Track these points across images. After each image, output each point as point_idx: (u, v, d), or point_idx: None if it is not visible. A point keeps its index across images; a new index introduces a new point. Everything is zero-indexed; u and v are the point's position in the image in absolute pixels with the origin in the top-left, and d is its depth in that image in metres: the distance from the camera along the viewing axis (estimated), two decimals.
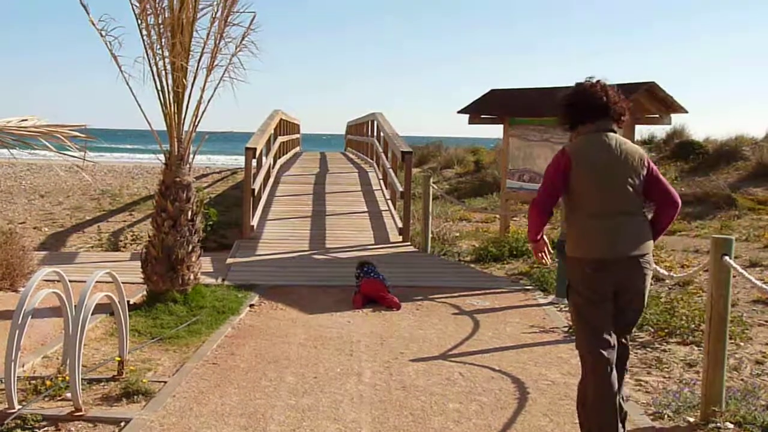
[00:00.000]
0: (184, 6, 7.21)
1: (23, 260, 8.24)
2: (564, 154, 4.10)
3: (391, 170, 14.72)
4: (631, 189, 4.04)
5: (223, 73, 7.58)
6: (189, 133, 7.64)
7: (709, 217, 13.17)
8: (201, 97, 7.55)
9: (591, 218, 4.06)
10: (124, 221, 14.62)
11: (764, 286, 4.80)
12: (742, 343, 6.47)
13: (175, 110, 7.49)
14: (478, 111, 11.48)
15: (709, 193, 14.14)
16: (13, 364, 4.53)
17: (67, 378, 4.80)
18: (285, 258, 10.46)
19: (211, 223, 12.30)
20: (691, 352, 6.28)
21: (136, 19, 7.25)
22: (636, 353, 6.32)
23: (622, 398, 4.13)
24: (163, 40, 7.33)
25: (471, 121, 11.48)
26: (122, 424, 4.54)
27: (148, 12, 7.25)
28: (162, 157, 7.66)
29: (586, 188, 4.06)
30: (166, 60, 7.34)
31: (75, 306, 4.88)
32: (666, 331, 6.75)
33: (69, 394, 4.74)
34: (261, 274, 9.32)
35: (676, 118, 11.20)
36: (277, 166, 18.10)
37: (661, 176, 4.16)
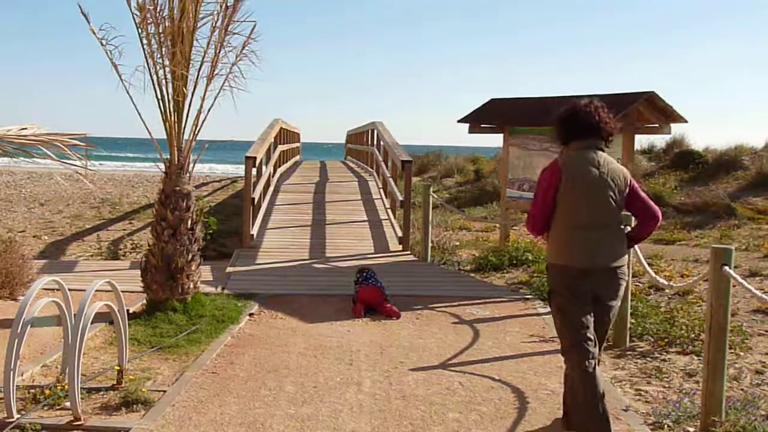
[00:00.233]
0: (185, 15, 7.23)
1: (23, 269, 8.23)
2: (556, 167, 4.40)
3: (391, 179, 14.73)
4: (614, 204, 4.36)
5: (224, 82, 7.60)
6: (189, 142, 7.64)
7: (708, 226, 13.16)
8: (201, 106, 7.56)
9: (575, 229, 4.35)
10: (124, 230, 14.61)
11: (764, 295, 4.80)
12: (741, 353, 6.46)
13: (176, 119, 7.50)
14: (478, 120, 11.49)
15: (709, 203, 14.14)
16: (12, 373, 4.52)
17: (66, 387, 4.80)
18: (285, 267, 10.46)
19: (210, 231, 12.30)
20: (690, 362, 6.27)
21: (137, 28, 7.28)
22: (636, 363, 6.32)
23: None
24: (163, 49, 7.34)
25: (471, 131, 11.49)
26: None
27: (149, 21, 7.26)
28: (162, 165, 7.67)
29: (573, 201, 4.34)
30: (167, 69, 7.36)
31: (74, 315, 4.88)
32: (666, 340, 6.75)
33: (68, 403, 4.73)
34: (261, 283, 9.32)
35: (676, 128, 11.19)
36: (277, 175, 18.12)
37: (641, 192, 4.48)
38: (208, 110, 7.59)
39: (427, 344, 6.78)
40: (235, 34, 7.63)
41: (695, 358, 6.33)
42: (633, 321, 7.05)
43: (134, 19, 7.25)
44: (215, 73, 7.57)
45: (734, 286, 4.80)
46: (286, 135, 20.31)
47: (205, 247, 10.10)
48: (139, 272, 7.69)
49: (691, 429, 4.76)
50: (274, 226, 13.16)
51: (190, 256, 7.55)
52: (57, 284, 5.29)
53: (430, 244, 11.37)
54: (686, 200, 14.80)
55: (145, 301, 7.63)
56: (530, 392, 5.45)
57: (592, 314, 4.39)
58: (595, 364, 4.31)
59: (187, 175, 7.70)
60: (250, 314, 7.75)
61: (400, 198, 12.51)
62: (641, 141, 19.43)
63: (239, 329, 7.17)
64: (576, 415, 4.43)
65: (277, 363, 6.09)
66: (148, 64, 7.32)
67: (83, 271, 9.95)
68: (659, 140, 20.01)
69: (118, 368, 5.39)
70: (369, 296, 8.03)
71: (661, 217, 4.51)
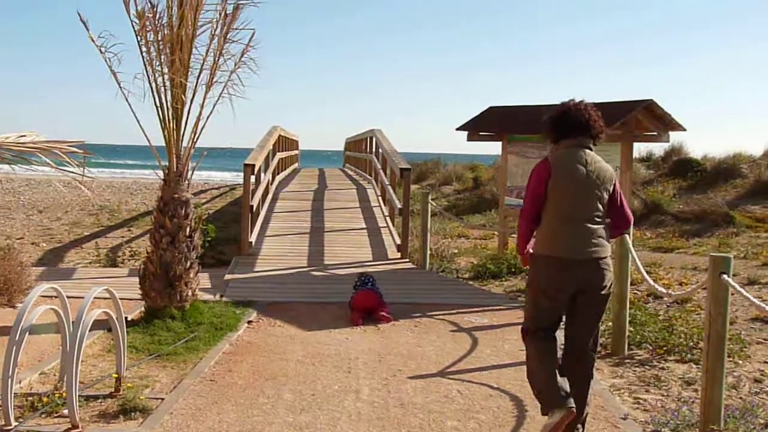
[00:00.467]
0: (184, 23, 7.24)
1: (21, 276, 8.22)
2: (546, 164, 4.61)
3: (389, 187, 14.74)
4: (598, 200, 4.57)
5: (222, 90, 7.60)
6: (188, 149, 7.64)
7: (707, 234, 13.18)
8: (200, 113, 7.57)
9: (561, 223, 4.56)
10: (123, 237, 14.60)
11: (762, 304, 4.80)
12: (740, 361, 6.46)
13: (174, 126, 7.50)
14: (476, 128, 11.50)
15: (707, 211, 14.16)
16: (10, 380, 4.51)
17: (64, 394, 4.79)
18: (283, 274, 10.46)
19: (209, 239, 12.29)
20: (689, 370, 6.27)
21: (136, 36, 7.28)
22: (634, 371, 6.31)
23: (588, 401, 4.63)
24: (162, 56, 7.35)
25: (470, 138, 11.50)
26: None
27: (148, 29, 7.27)
28: (161, 173, 7.67)
29: (561, 195, 4.56)
30: (166, 76, 7.36)
31: (73, 322, 4.87)
32: (664, 348, 6.74)
33: (66, 411, 4.72)
34: (259, 290, 9.32)
35: (674, 136, 11.26)
36: (276, 182, 18.13)
37: (622, 196, 4.71)
38: (207, 118, 7.60)
39: (425, 352, 6.77)
40: (234, 41, 7.65)
41: (694, 366, 6.33)
42: (631, 329, 7.04)
43: (133, 26, 7.26)
44: (214, 80, 7.58)
45: (733, 294, 4.81)
46: (284, 142, 20.33)
47: (204, 254, 10.09)
48: (137, 280, 7.68)
49: None
50: (272, 233, 13.16)
51: (188, 264, 7.55)
52: (55, 291, 5.28)
53: (428, 252, 11.37)
54: (685, 208, 14.82)
55: (143, 309, 7.62)
56: (529, 400, 5.43)
57: (560, 314, 4.66)
58: (555, 347, 4.60)
59: (186, 182, 7.70)
60: (249, 322, 7.74)
61: (399, 206, 12.52)
62: (640, 149, 19.48)
63: (237, 337, 7.16)
64: (542, 396, 4.59)
65: (275, 371, 6.09)
66: (147, 71, 7.32)
67: (81, 279, 9.94)
68: (658, 148, 20.07)
69: (116, 376, 5.38)
70: (364, 301, 8.03)
71: (630, 228, 4.79)
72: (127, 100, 7.27)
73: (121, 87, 7.24)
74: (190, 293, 7.59)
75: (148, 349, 6.55)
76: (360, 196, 17.82)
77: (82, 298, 4.98)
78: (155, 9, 7.23)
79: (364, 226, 14.18)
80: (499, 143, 11.48)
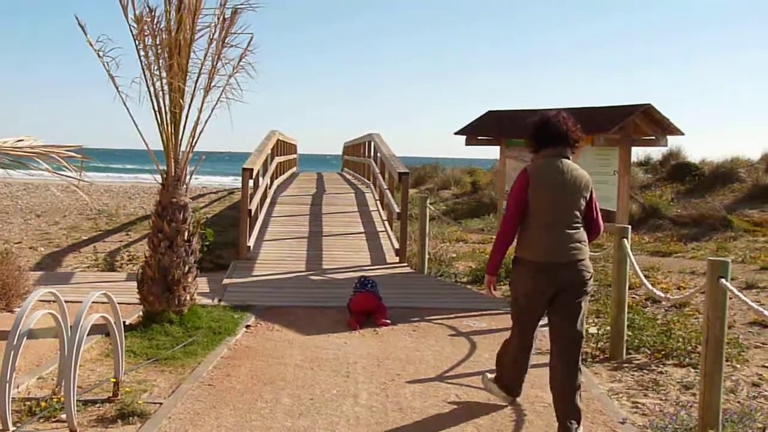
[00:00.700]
0: (182, 27, 7.24)
1: (19, 280, 8.21)
2: (525, 174, 4.92)
3: (387, 191, 14.74)
4: (576, 207, 4.88)
5: (221, 94, 7.60)
6: (186, 154, 7.64)
7: (705, 238, 13.19)
8: (198, 117, 7.56)
9: (540, 229, 4.85)
10: (121, 241, 14.59)
11: (760, 308, 4.80)
12: (738, 366, 6.47)
13: (172, 131, 7.50)
14: (474, 132, 11.49)
15: (705, 215, 14.17)
16: (7, 385, 4.50)
17: (62, 399, 4.78)
18: (281, 279, 10.45)
19: (207, 243, 12.29)
20: (687, 374, 6.27)
21: (134, 40, 7.28)
22: (633, 375, 6.31)
23: (580, 377, 4.89)
24: (160, 61, 7.34)
25: (468, 143, 11.49)
26: None
27: (146, 33, 7.27)
28: (159, 177, 7.66)
29: (539, 203, 4.86)
30: (164, 81, 7.36)
31: (71, 327, 4.86)
32: (662, 353, 6.75)
33: (64, 416, 4.71)
34: (257, 294, 9.31)
35: (673, 140, 11.25)
36: (274, 187, 18.12)
37: (596, 204, 5.02)
38: (205, 122, 7.59)
39: (423, 356, 6.77)
40: (232, 46, 7.65)
41: (692, 370, 6.33)
42: (630, 333, 7.04)
43: (131, 30, 7.26)
44: (212, 84, 7.57)
45: (731, 298, 4.81)
46: (283, 147, 20.33)
47: (202, 258, 10.10)
48: (135, 284, 7.67)
49: None
50: (270, 237, 13.15)
51: (186, 268, 7.54)
52: (53, 296, 5.27)
53: (427, 256, 11.37)
54: (683, 212, 14.83)
55: (141, 313, 7.61)
56: (527, 404, 5.44)
57: (540, 315, 5.03)
58: (531, 346, 5.17)
59: (184, 186, 7.70)
60: (247, 326, 7.73)
61: (397, 210, 12.51)
62: (638, 153, 19.49)
63: (236, 341, 7.15)
64: (504, 372, 5.37)
65: (273, 375, 6.08)
66: (145, 75, 7.32)
67: (80, 283, 9.94)
68: (656, 152, 20.05)
69: (115, 380, 5.37)
70: (363, 303, 8.03)
71: (600, 235, 5.14)
72: (125, 104, 7.27)
73: (119, 91, 7.23)
74: (188, 297, 7.58)
75: (146, 353, 6.54)
76: (358, 201, 17.82)
77: (80, 302, 4.97)
78: (153, 13, 7.23)
79: (363, 230, 14.18)
80: (498, 147, 11.49)
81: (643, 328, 7.35)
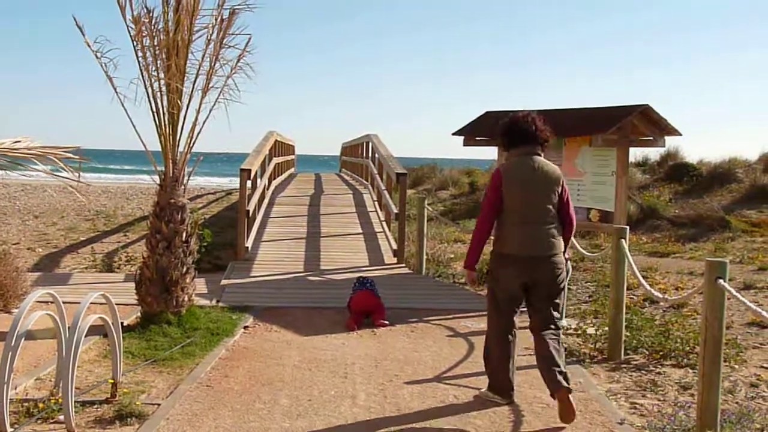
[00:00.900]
0: (180, 28, 7.24)
1: (17, 281, 8.21)
2: (498, 173, 5.21)
3: (385, 192, 14.74)
4: (547, 203, 5.16)
5: (219, 95, 7.60)
6: (184, 154, 7.64)
7: (702, 239, 13.21)
8: (196, 118, 7.57)
9: (514, 225, 5.14)
10: (119, 242, 14.57)
11: (758, 308, 4.80)
12: (736, 366, 6.47)
13: (170, 131, 7.50)
14: (472, 133, 11.49)
15: (703, 216, 14.19)
16: (5, 386, 4.50)
17: (60, 400, 4.78)
18: (280, 279, 10.45)
19: (205, 244, 12.27)
20: (685, 375, 6.28)
21: (132, 41, 7.28)
22: (631, 376, 6.31)
23: (559, 359, 5.10)
24: (158, 61, 7.35)
25: (466, 143, 11.48)
26: None
27: (144, 34, 7.27)
28: (157, 178, 7.66)
29: (513, 200, 5.14)
30: (162, 82, 7.36)
31: (69, 328, 4.86)
32: (661, 353, 6.75)
33: (62, 417, 4.71)
34: (255, 295, 9.31)
35: (670, 141, 11.25)
36: (272, 187, 18.11)
37: (569, 199, 5.29)
38: (203, 123, 7.60)
39: (421, 357, 6.77)
40: (230, 47, 7.64)
41: (690, 371, 6.33)
42: (628, 334, 7.04)
43: (129, 31, 7.26)
44: (210, 85, 7.58)
45: (729, 299, 4.81)
46: (280, 147, 20.32)
47: (200, 259, 10.09)
48: (133, 285, 7.67)
49: None
50: (269, 238, 13.15)
51: (184, 269, 7.54)
52: (51, 297, 5.27)
53: (424, 257, 11.37)
54: (680, 213, 14.85)
55: (139, 314, 7.61)
56: (525, 405, 5.43)
57: (517, 304, 5.29)
58: (514, 335, 5.32)
59: (182, 187, 7.70)
60: (245, 327, 7.73)
61: (395, 210, 12.52)
62: (635, 154, 19.51)
63: (234, 342, 7.15)
64: (494, 376, 5.41)
65: (271, 376, 6.08)
66: (143, 76, 7.33)
67: (77, 284, 9.93)
68: (653, 153, 20.05)
69: (112, 381, 5.37)
70: (362, 301, 8.03)
71: (574, 228, 5.37)
72: (123, 105, 7.27)
73: (117, 92, 7.24)
74: (186, 298, 7.58)
75: (145, 354, 6.54)
76: (356, 201, 17.82)
77: (78, 303, 4.97)
78: (151, 14, 7.24)
79: (361, 231, 14.18)
80: (495, 148, 11.48)
81: (641, 328, 7.35)
